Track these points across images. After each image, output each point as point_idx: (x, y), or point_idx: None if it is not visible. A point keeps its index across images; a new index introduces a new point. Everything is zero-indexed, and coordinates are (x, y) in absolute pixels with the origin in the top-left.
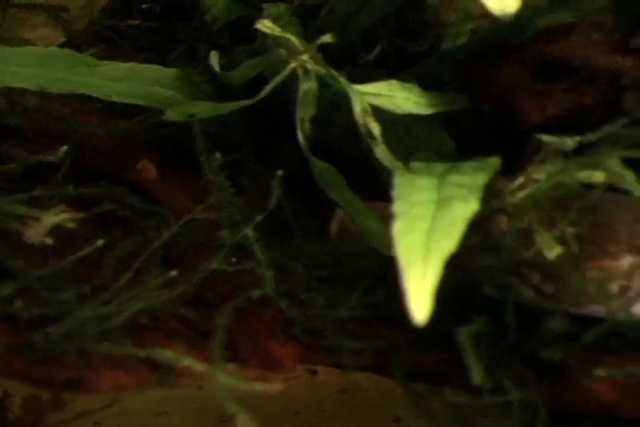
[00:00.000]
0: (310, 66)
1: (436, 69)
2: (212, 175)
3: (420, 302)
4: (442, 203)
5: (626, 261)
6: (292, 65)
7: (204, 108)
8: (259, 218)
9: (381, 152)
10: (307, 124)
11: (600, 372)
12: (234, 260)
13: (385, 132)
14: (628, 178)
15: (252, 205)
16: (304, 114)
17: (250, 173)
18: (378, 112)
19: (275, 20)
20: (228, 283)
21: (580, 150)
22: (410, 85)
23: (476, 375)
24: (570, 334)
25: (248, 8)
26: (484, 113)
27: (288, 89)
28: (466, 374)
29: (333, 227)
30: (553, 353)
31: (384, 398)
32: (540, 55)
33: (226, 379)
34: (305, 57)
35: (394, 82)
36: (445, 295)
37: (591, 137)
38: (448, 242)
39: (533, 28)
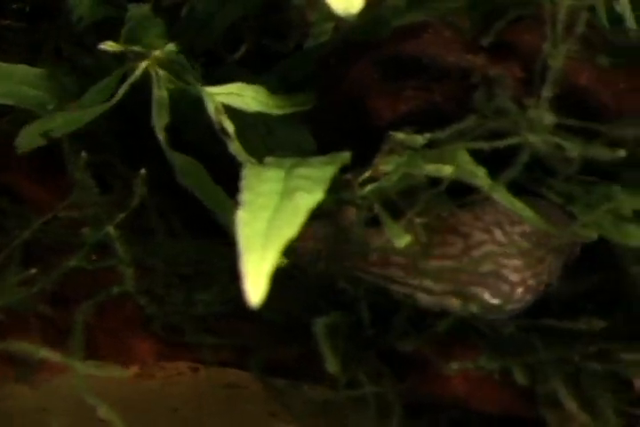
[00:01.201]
0: (161, 72)
1: (299, 67)
2: (77, 174)
3: (256, 285)
4: (286, 194)
5: None
6: (138, 71)
7: (61, 123)
8: (121, 216)
9: (235, 148)
10: (162, 132)
11: (454, 365)
12: (94, 258)
13: (246, 131)
14: (478, 173)
15: (117, 203)
16: (159, 122)
17: (116, 173)
18: (238, 112)
19: (139, 20)
20: (89, 280)
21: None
22: (257, 87)
23: (331, 365)
24: (424, 327)
25: (113, 8)
26: (344, 111)
27: (150, 90)
28: (323, 368)
29: None
30: (407, 346)
31: (263, 393)
32: (391, 53)
33: (83, 368)
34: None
35: (242, 84)
36: (304, 292)
37: (441, 135)
38: (288, 230)
39: (390, 27)
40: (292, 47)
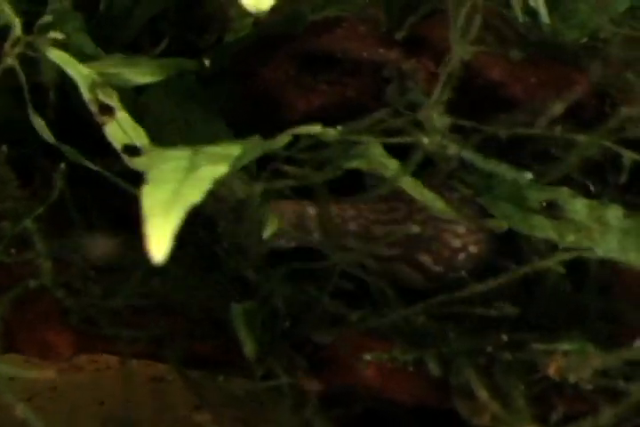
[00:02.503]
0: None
1: (217, 61)
2: None
3: (159, 243)
4: (192, 168)
5: None
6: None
7: None
8: (40, 210)
9: (111, 133)
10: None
11: (366, 356)
12: (13, 251)
13: (163, 124)
14: (390, 166)
15: (37, 197)
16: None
17: (38, 167)
18: (154, 104)
19: (57, 14)
20: (7, 274)
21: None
22: (137, 59)
23: (249, 349)
24: (338, 319)
25: (34, 4)
26: (259, 104)
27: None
28: (239, 360)
29: None
30: (321, 337)
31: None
32: (306, 48)
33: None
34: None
35: (118, 57)
36: (220, 284)
37: (354, 126)
38: (193, 195)
39: (308, 22)
40: (212, 41)
